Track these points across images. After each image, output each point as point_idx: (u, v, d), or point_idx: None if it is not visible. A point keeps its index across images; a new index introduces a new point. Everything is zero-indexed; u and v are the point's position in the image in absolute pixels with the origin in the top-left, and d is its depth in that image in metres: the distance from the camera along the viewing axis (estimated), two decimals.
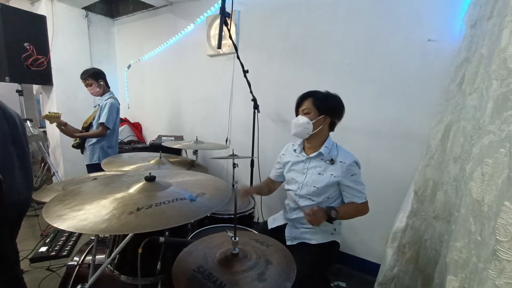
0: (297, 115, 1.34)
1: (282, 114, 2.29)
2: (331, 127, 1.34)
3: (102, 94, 2.33)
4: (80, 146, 2.37)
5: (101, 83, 2.30)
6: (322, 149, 1.29)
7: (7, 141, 1.05)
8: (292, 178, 1.39)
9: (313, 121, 1.26)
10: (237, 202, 0.88)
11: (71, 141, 2.40)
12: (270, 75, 2.30)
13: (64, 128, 2.15)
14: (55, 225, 0.65)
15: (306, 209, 1.18)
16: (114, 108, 2.26)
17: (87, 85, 2.28)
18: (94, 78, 2.26)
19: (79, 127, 2.34)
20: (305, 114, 1.28)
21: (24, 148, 1.16)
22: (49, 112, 2.06)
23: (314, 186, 1.28)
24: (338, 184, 1.28)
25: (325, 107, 1.27)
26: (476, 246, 0.78)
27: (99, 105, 2.32)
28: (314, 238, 1.32)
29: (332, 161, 1.27)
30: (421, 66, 1.66)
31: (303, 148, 1.39)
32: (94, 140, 2.29)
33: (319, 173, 1.29)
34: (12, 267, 1.18)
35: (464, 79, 1.18)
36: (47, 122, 2.31)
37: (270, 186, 1.55)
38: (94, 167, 2.24)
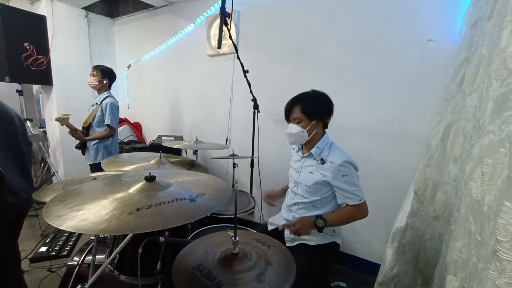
0: (288, 121, 1.35)
1: (282, 114, 2.23)
2: (325, 126, 1.35)
3: (98, 90, 2.36)
4: (83, 146, 2.38)
5: (105, 81, 2.34)
6: (312, 150, 1.31)
7: (3, 142, 1.04)
8: (290, 176, 1.42)
9: (307, 128, 1.28)
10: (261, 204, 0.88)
11: (71, 141, 2.40)
12: (270, 75, 2.30)
13: (75, 133, 2.22)
14: (55, 225, 0.65)
15: (287, 223, 1.25)
16: (115, 107, 2.31)
17: (91, 75, 2.33)
18: (102, 73, 2.33)
19: (79, 127, 2.34)
20: (297, 123, 1.29)
21: (22, 149, 1.14)
22: (61, 115, 2.10)
23: (306, 185, 1.30)
24: (330, 184, 1.27)
25: (314, 112, 1.28)
26: (476, 246, 0.78)
27: (97, 103, 2.34)
28: (314, 239, 1.31)
29: (322, 161, 1.28)
30: (421, 66, 1.66)
31: (301, 147, 1.41)
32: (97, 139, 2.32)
33: (310, 172, 1.30)
34: (13, 268, 1.17)
35: (464, 79, 1.18)
36: (55, 123, 2.32)
37: None
38: (98, 166, 2.24)
